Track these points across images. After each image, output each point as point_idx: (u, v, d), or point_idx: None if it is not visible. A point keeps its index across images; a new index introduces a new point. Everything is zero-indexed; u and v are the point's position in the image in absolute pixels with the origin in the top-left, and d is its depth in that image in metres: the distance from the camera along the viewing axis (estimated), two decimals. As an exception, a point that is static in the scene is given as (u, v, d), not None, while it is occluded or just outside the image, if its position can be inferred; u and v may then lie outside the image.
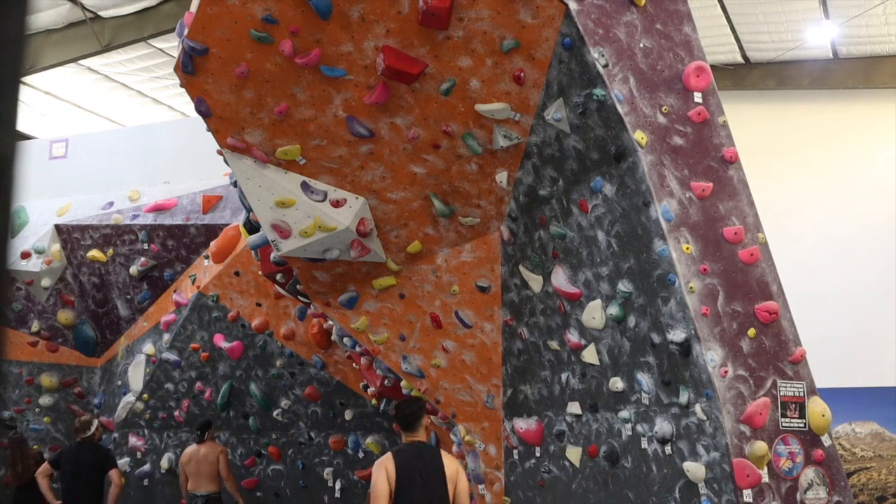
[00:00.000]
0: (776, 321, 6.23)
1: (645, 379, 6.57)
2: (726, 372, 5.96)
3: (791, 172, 15.07)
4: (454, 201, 7.87)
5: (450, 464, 6.34)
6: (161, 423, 12.42)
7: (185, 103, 16.59)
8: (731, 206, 6.40)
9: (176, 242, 12.22)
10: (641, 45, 6.53)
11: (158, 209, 12.26)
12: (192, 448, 10.59)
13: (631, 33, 6.52)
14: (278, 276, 8.94)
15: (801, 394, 6.18)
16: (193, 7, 6.67)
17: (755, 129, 14.60)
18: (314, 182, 7.59)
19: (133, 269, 12.43)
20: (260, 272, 9.64)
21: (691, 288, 6.06)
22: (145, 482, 12.51)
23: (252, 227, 8.76)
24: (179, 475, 10.64)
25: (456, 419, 8.99)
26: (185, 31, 6.72)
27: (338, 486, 11.77)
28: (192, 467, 10.39)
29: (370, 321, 8.71)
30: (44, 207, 12.90)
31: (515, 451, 8.55)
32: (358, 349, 9.10)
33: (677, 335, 6.12)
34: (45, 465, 9.87)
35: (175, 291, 12.08)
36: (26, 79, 15.74)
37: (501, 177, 7.60)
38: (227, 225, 11.64)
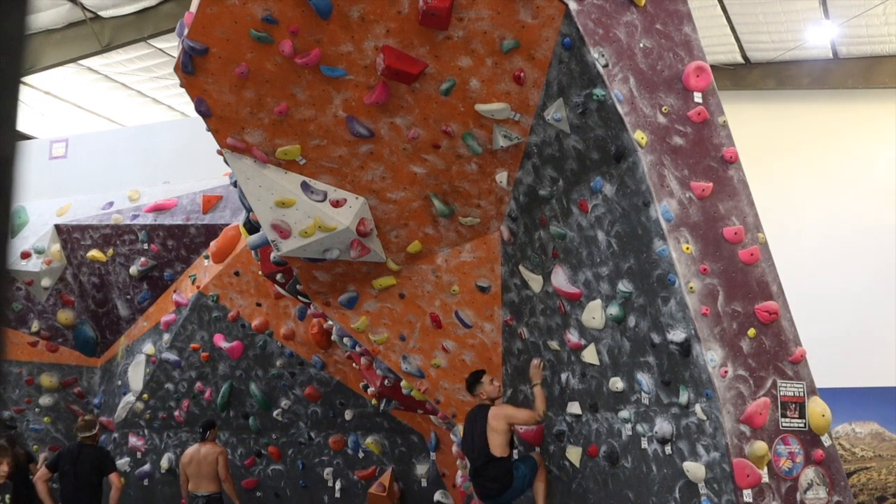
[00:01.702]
0: (776, 321, 6.23)
1: (645, 379, 6.57)
2: (726, 372, 5.96)
3: (791, 172, 15.06)
4: (454, 201, 7.87)
5: (492, 415, 7.71)
6: (161, 423, 12.42)
7: (185, 103, 16.59)
8: (731, 206, 6.40)
9: (176, 242, 12.22)
10: (641, 45, 6.53)
11: (158, 209, 12.26)
12: (192, 449, 10.57)
13: (631, 33, 6.52)
14: (278, 276, 8.94)
15: (801, 394, 6.18)
16: (193, 7, 6.67)
17: (755, 129, 14.59)
18: (314, 182, 7.59)
19: (133, 269, 12.43)
20: (260, 272, 9.64)
21: (691, 288, 6.06)
22: (145, 482, 12.51)
23: (252, 227, 8.76)
24: (180, 475, 10.62)
25: (456, 419, 8.99)
26: (185, 31, 6.72)
27: (338, 486, 11.77)
28: (192, 468, 10.37)
29: (370, 321, 8.71)
30: (44, 207, 12.89)
31: (516, 452, 8.55)
32: (358, 349, 9.10)
33: (677, 335, 6.12)
34: (44, 470, 9.83)
35: (175, 291, 12.08)
36: (26, 79, 15.73)
37: (501, 177, 7.60)
38: (227, 225, 11.64)
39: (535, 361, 7.71)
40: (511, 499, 7.85)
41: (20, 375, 12.92)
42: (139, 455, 12.57)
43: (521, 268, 7.96)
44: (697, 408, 6.05)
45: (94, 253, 12.58)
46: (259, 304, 11.31)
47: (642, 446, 6.68)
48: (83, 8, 14.70)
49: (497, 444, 7.65)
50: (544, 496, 7.87)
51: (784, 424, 6.07)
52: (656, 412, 6.51)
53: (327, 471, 11.81)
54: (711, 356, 5.95)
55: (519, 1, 6.48)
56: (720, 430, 5.89)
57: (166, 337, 11.97)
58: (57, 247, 12.69)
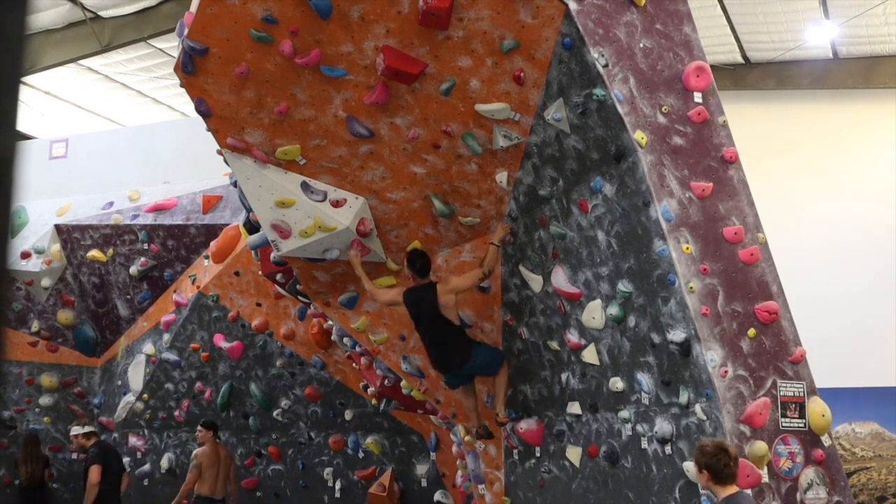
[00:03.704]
0: (776, 321, 6.23)
1: (645, 379, 6.57)
2: (726, 372, 5.96)
3: (791, 172, 15.06)
4: (454, 201, 7.87)
5: (441, 292, 7.70)
6: (161, 423, 12.42)
7: (185, 103, 16.56)
8: (731, 206, 6.40)
9: (176, 242, 12.22)
10: (641, 45, 6.53)
11: (158, 209, 12.26)
12: (209, 449, 10.17)
13: (631, 33, 6.52)
14: (278, 276, 8.93)
15: (801, 394, 6.18)
16: (193, 7, 6.67)
17: (755, 129, 14.57)
18: (314, 182, 7.59)
19: (133, 269, 12.43)
20: (260, 272, 9.64)
21: (691, 288, 6.06)
22: (145, 482, 12.50)
23: (252, 227, 8.76)
24: (190, 475, 10.13)
25: (456, 419, 8.99)
26: (185, 31, 6.72)
27: (338, 486, 11.77)
28: (213, 471, 9.99)
29: (370, 321, 8.71)
30: (44, 207, 12.89)
31: (515, 451, 8.55)
32: (358, 349, 9.10)
33: (677, 335, 6.12)
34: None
35: (175, 291, 12.08)
36: (26, 79, 15.71)
37: (501, 177, 7.60)
38: (227, 225, 11.64)
39: (506, 225, 7.88)
40: (471, 372, 7.96)
41: (20, 375, 12.92)
42: (139, 455, 12.57)
43: (521, 268, 7.96)
44: (697, 408, 6.05)
45: (94, 253, 12.57)
46: (259, 304, 11.31)
47: (642, 446, 6.68)
48: (83, 8, 14.69)
49: (452, 318, 7.80)
50: (505, 387, 8.11)
51: (784, 424, 6.07)
52: (656, 412, 6.51)
53: (327, 471, 11.81)
54: (711, 356, 5.95)
55: (519, 1, 6.48)
56: (720, 430, 5.89)
57: (166, 337, 11.97)
58: (57, 247, 12.69)
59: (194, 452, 10.44)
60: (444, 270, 8.33)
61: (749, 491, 5.53)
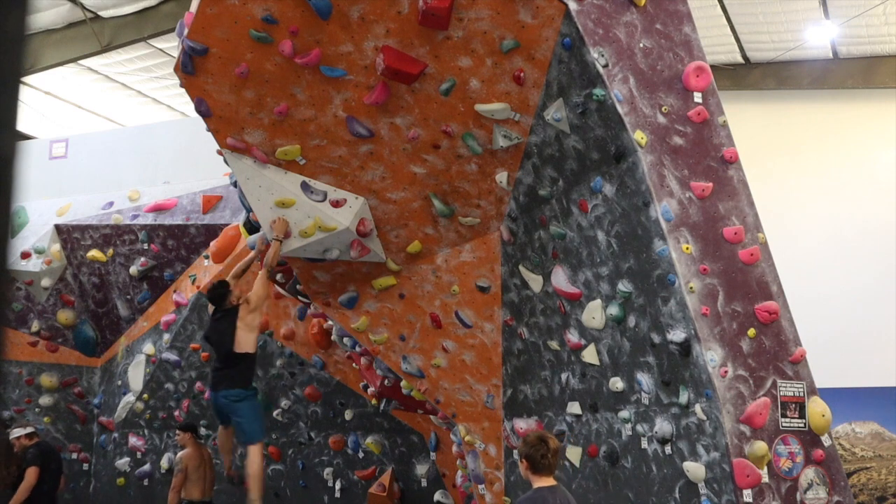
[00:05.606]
0: (776, 321, 6.23)
1: (645, 379, 6.57)
2: (726, 372, 5.96)
3: (791, 172, 15.05)
4: (454, 201, 7.87)
5: (244, 311, 8.02)
6: (161, 423, 12.41)
7: (185, 103, 16.57)
8: (731, 206, 6.40)
9: (176, 242, 12.22)
10: (641, 45, 6.53)
11: (158, 209, 12.26)
12: (193, 451, 10.17)
13: (631, 33, 6.52)
14: (278, 276, 8.93)
15: (801, 394, 6.18)
16: (193, 7, 6.67)
17: (755, 129, 14.57)
18: (314, 182, 7.60)
19: (133, 269, 12.42)
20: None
21: (691, 288, 6.06)
22: (145, 482, 12.50)
23: (252, 227, 8.76)
24: (175, 480, 9.94)
25: (456, 419, 8.99)
26: (185, 31, 6.72)
27: (338, 486, 11.76)
28: (200, 472, 9.98)
29: (370, 321, 8.71)
30: (44, 207, 12.88)
31: (515, 452, 8.55)
32: (358, 349, 9.09)
33: (677, 335, 6.12)
34: None
35: (175, 291, 12.08)
36: (26, 79, 15.71)
37: (501, 177, 7.60)
38: (227, 225, 11.63)
39: (284, 219, 7.65)
40: (228, 411, 8.14)
41: (20, 375, 12.91)
42: (139, 455, 12.56)
43: (521, 268, 7.96)
44: (697, 408, 6.05)
45: (94, 253, 12.57)
46: (259, 304, 11.29)
47: (642, 446, 6.68)
48: (83, 8, 14.70)
49: (248, 341, 7.98)
50: (260, 476, 8.49)
51: (784, 424, 6.07)
52: (656, 412, 6.51)
53: (327, 471, 11.80)
54: (711, 356, 5.95)
55: (519, 1, 6.48)
56: (720, 430, 5.89)
57: (166, 337, 11.97)
58: (57, 247, 12.69)
59: (178, 456, 10.25)
60: (443, 270, 8.33)
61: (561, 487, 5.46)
